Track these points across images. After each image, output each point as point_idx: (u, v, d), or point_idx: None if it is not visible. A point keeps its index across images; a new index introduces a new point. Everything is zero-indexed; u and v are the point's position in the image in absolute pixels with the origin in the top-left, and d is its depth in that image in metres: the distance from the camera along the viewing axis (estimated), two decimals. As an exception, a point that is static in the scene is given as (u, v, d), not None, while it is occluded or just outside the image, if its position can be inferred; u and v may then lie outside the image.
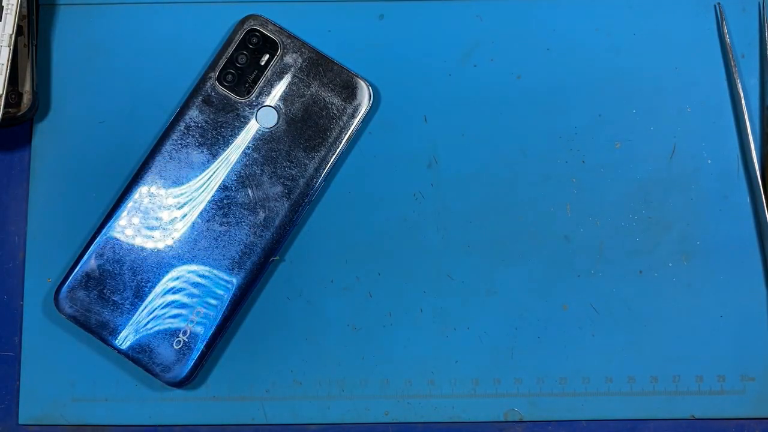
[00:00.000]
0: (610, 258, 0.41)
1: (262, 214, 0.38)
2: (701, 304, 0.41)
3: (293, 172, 0.39)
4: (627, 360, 0.40)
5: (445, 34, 0.43)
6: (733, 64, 0.42)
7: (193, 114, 0.39)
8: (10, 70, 0.39)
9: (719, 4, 0.43)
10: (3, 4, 0.39)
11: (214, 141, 0.39)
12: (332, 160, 0.39)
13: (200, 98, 0.39)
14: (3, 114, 0.39)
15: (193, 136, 0.39)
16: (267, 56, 0.40)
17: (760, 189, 0.41)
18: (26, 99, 0.40)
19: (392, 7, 0.43)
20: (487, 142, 0.42)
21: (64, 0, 0.43)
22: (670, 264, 0.41)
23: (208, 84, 0.39)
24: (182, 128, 0.39)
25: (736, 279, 0.41)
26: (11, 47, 0.39)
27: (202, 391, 0.40)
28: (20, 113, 0.40)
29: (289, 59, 0.40)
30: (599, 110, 0.42)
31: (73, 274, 0.39)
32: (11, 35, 0.39)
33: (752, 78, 0.43)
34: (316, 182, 0.39)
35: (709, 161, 0.42)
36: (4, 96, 0.38)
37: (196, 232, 0.38)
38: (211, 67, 0.40)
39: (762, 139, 0.42)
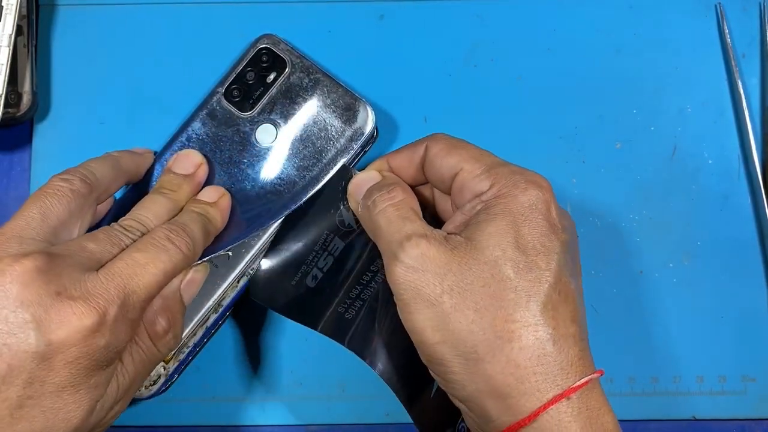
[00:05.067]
0: (610, 258, 0.41)
1: (244, 231, 0.38)
2: (702, 304, 0.41)
3: (282, 190, 0.38)
4: (627, 360, 0.40)
5: (445, 34, 0.43)
6: (733, 63, 0.42)
7: (196, 126, 0.39)
8: (10, 70, 0.39)
9: (720, 3, 0.43)
10: (3, 4, 0.39)
11: (212, 154, 0.39)
12: (323, 181, 0.38)
13: (205, 111, 0.39)
14: (3, 114, 0.39)
15: (192, 148, 0.39)
16: (274, 74, 0.39)
17: (761, 189, 0.41)
18: (26, 99, 0.40)
19: (392, 7, 0.43)
20: (487, 142, 0.42)
21: (64, 0, 0.43)
22: (671, 264, 0.41)
23: (215, 98, 0.39)
24: (183, 140, 0.39)
25: (737, 279, 0.41)
26: (11, 47, 0.39)
27: (202, 391, 0.40)
28: (20, 113, 0.40)
29: (295, 79, 0.39)
30: (599, 110, 0.42)
31: None
32: (11, 35, 0.39)
33: (753, 77, 0.42)
34: (303, 202, 0.38)
35: (710, 161, 0.42)
36: (3, 96, 0.38)
37: None
38: (221, 82, 0.40)
39: (763, 139, 0.42)
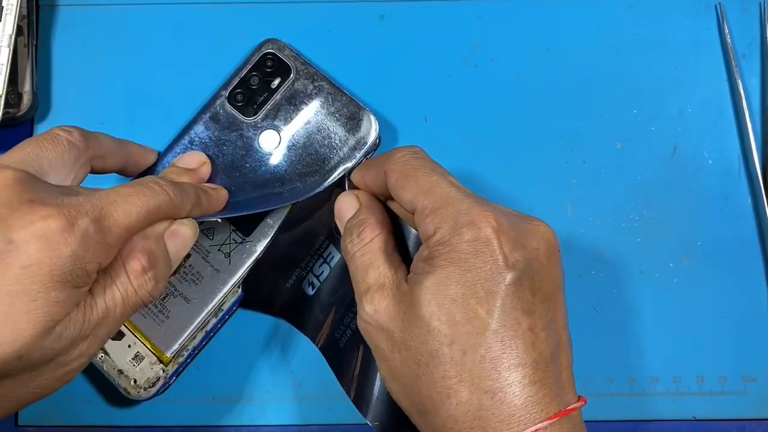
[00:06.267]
0: (610, 258, 0.41)
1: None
2: (702, 304, 0.41)
3: (285, 195, 0.38)
4: (627, 360, 0.40)
5: (445, 34, 0.43)
6: (733, 63, 0.42)
7: (199, 129, 0.39)
8: (10, 70, 0.39)
9: (720, 4, 0.43)
10: (3, 4, 0.39)
11: (215, 157, 0.38)
12: (324, 187, 0.38)
13: (208, 114, 0.39)
14: (3, 114, 0.39)
15: (195, 151, 0.38)
16: (278, 80, 0.39)
17: (761, 189, 0.41)
18: (26, 99, 0.40)
19: (392, 7, 0.43)
20: (487, 142, 0.42)
21: (64, 0, 0.43)
22: (671, 264, 0.41)
23: (218, 101, 0.39)
24: (186, 142, 0.39)
25: (737, 279, 0.41)
26: (11, 47, 0.39)
27: (202, 391, 0.40)
28: (20, 113, 0.40)
29: (299, 85, 0.39)
30: (599, 110, 0.42)
31: None
32: (11, 35, 0.39)
33: (753, 78, 0.42)
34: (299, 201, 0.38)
35: (710, 161, 0.42)
36: (3, 96, 0.38)
37: None
38: (224, 85, 0.40)
39: (763, 139, 0.42)
